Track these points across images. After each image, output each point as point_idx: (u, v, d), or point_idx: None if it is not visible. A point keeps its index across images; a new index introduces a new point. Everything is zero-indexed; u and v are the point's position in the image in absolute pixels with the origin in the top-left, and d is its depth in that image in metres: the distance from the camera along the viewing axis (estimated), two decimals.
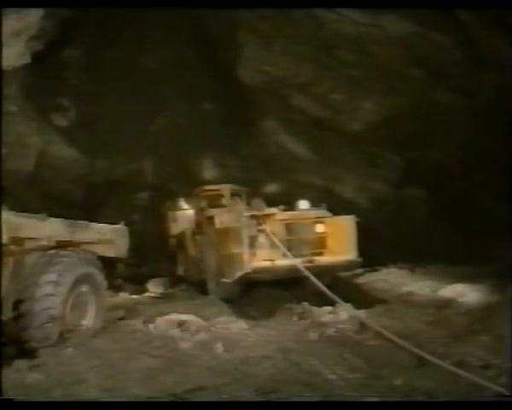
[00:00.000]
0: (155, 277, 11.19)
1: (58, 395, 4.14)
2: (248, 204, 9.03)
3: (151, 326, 6.40)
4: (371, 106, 11.48)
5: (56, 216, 5.95)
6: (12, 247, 5.26)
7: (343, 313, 6.73)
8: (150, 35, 14.20)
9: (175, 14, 12.00)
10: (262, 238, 8.22)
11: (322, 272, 8.00)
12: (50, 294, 5.46)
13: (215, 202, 10.47)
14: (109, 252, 6.84)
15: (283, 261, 8.09)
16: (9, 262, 5.36)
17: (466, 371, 4.83)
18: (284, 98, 12.58)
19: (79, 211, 10.04)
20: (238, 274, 7.98)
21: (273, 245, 8.15)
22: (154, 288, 10.59)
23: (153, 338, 5.86)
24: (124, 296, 9.53)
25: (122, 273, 9.27)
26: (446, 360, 5.17)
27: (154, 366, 4.92)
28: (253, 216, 8.30)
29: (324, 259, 8.41)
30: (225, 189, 10.58)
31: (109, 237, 6.87)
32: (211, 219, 9.13)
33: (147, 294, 10.21)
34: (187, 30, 14.17)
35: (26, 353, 5.20)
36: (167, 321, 6.57)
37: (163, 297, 9.75)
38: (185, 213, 11.67)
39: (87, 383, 4.42)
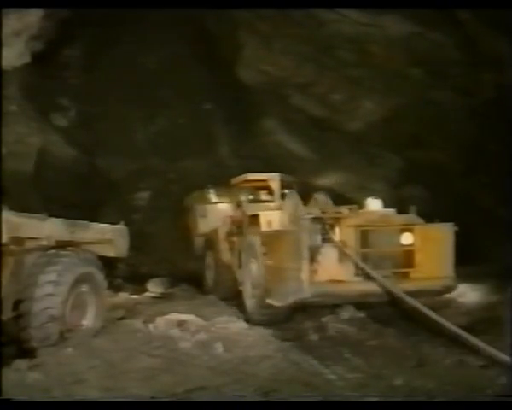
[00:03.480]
0: (155, 277, 11.19)
1: (58, 395, 4.14)
2: (304, 200, 6.95)
3: (151, 326, 6.41)
4: (371, 106, 11.47)
5: (56, 216, 5.95)
6: (12, 247, 5.26)
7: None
8: (150, 35, 14.20)
9: (175, 14, 12.00)
10: (328, 250, 6.13)
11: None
12: (50, 294, 5.46)
13: (258, 195, 8.91)
14: (109, 252, 6.84)
15: (358, 283, 6.10)
16: (9, 262, 5.36)
17: (466, 371, 4.84)
18: (284, 98, 12.58)
19: (79, 211, 10.04)
20: (293, 298, 5.95)
21: (343, 260, 6.13)
22: (154, 288, 10.58)
23: (153, 338, 5.86)
24: (124, 296, 9.52)
25: (122, 273, 9.28)
26: (446, 360, 5.18)
27: (154, 365, 4.92)
28: (316, 219, 6.19)
29: (412, 282, 6.24)
30: (273, 179, 8.49)
31: (109, 237, 6.87)
32: (255, 218, 7.31)
33: (147, 294, 10.21)
34: (187, 30, 14.16)
35: (26, 353, 5.20)
36: (167, 321, 6.57)
37: (163, 297, 9.75)
38: (217, 207, 9.92)
39: (87, 382, 4.42)
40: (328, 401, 4.13)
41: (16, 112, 11.05)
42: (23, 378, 4.46)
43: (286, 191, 7.70)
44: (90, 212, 11.22)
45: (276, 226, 6.80)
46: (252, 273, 7.36)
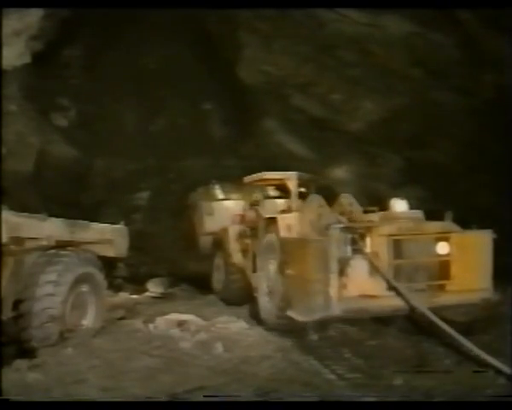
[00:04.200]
0: (155, 277, 11.19)
1: (58, 395, 4.15)
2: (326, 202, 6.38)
3: (151, 326, 6.42)
4: (371, 106, 11.46)
5: (56, 216, 5.95)
6: (12, 247, 5.26)
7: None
8: (150, 35, 14.21)
9: (175, 14, 12.00)
10: (358, 262, 5.61)
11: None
12: (50, 294, 5.47)
13: (273, 195, 8.47)
14: (109, 252, 6.85)
15: (391, 298, 5.58)
16: (9, 262, 5.36)
17: (466, 371, 4.84)
18: (284, 98, 12.57)
19: (79, 211, 10.04)
20: (319, 314, 5.48)
21: (373, 272, 5.62)
22: (154, 288, 10.58)
23: (153, 338, 5.87)
24: (124, 296, 9.52)
25: (122, 273, 9.28)
26: (446, 360, 5.19)
27: (153, 365, 4.93)
28: (345, 228, 5.70)
29: (448, 296, 5.79)
30: (291, 178, 7.76)
31: (109, 237, 6.87)
32: (272, 221, 6.83)
33: (147, 294, 10.21)
34: (187, 30, 14.17)
35: (26, 353, 5.20)
36: (167, 321, 6.58)
37: (163, 297, 9.75)
38: (225, 204, 9.46)
39: (87, 382, 4.42)
40: (328, 401, 4.13)
41: (16, 112, 11.04)
42: (23, 378, 4.46)
43: (302, 189, 7.49)
44: (90, 212, 11.23)
45: (295, 232, 6.39)
46: (269, 281, 6.82)
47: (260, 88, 12.64)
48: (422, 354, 5.42)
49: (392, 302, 5.60)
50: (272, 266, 6.75)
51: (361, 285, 5.57)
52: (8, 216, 5.17)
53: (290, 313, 5.93)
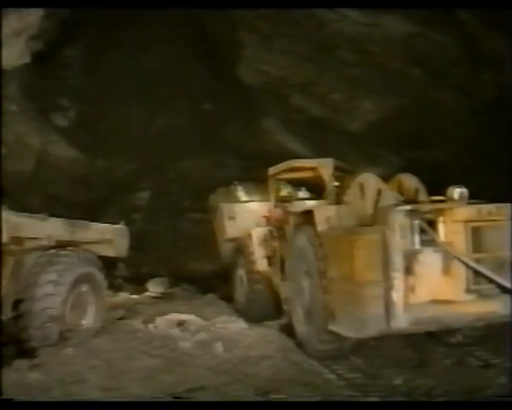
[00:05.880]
0: (155, 277, 11.19)
1: (58, 395, 4.15)
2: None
3: (151, 326, 6.42)
4: (371, 106, 11.46)
5: (56, 216, 5.96)
6: (12, 247, 5.27)
7: None
8: (150, 35, 14.20)
9: (175, 14, 11.99)
10: (428, 256, 4.46)
11: None
12: (50, 293, 5.47)
13: (302, 188, 7.70)
14: (109, 252, 6.85)
15: (471, 303, 4.45)
16: (9, 262, 5.37)
17: (466, 371, 4.84)
18: (284, 98, 12.57)
19: (79, 211, 10.04)
20: (378, 328, 4.30)
21: (450, 270, 4.47)
22: (154, 288, 10.58)
23: (153, 338, 5.87)
24: (124, 296, 9.53)
25: (122, 273, 9.28)
26: (446, 360, 5.19)
27: (154, 365, 4.93)
28: (411, 211, 4.44)
29: None
30: (325, 166, 6.62)
31: (109, 237, 6.88)
32: (306, 216, 5.64)
33: (147, 294, 10.21)
34: (187, 30, 14.16)
35: (26, 353, 5.21)
36: (167, 321, 6.58)
37: (163, 297, 9.75)
38: (248, 206, 8.56)
39: (87, 382, 4.43)
40: (328, 401, 4.13)
41: (16, 112, 11.04)
42: (23, 378, 4.47)
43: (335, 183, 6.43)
44: (90, 212, 11.23)
45: (339, 225, 5.15)
46: (304, 289, 5.65)
47: (260, 88, 12.64)
48: (422, 354, 5.43)
49: (473, 309, 4.44)
50: (307, 271, 5.55)
51: (433, 287, 4.45)
52: (8, 216, 5.17)
53: (335, 328, 4.83)
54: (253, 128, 13.50)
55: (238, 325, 6.61)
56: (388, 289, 4.22)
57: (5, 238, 5.04)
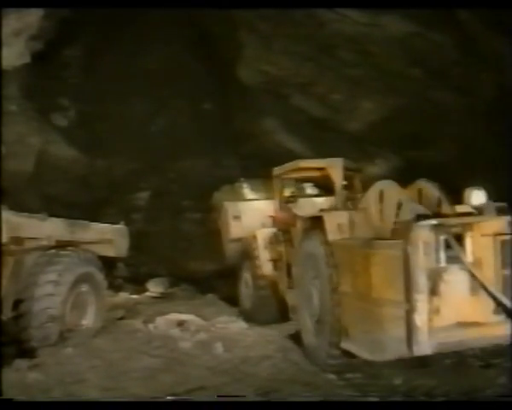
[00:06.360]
0: (155, 277, 11.18)
1: (58, 395, 4.15)
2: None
3: (151, 326, 6.43)
4: (371, 106, 11.46)
5: (56, 216, 5.95)
6: (12, 247, 5.27)
7: None
8: (150, 35, 14.20)
9: (175, 14, 11.99)
10: (454, 275, 4.11)
11: None
12: (50, 293, 5.47)
13: (309, 189, 7.41)
14: (109, 252, 6.85)
15: (500, 325, 4.09)
16: (9, 262, 5.37)
17: (466, 371, 4.84)
18: (284, 98, 12.57)
19: (79, 211, 10.04)
20: (398, 353, 4.03)
21: (476, 289, 4.11)
22: (154, 288, 10.58)
23: (153, 338, 5.87)
24: (124, 296, 9.53)
25: (122, 273, 9.28)
26: (446, 360, 5.18)
27: (153, 365, 4.93)
28: (437, 225, 4.05)
29: None
30: (335, 166, 6.40)
31: (109, 237, 6.88)
32: (314, 222, 5.27)
33: (147, 294, 10.21)
34: (187, 30, 14.17)
35: (26, 353, 5.21)
36: (167, 321, 6.59)
37: (163, 297, 9.75)
38: (254, 205, 8.24)
39: (87, 382, 4.43)
40: (328, 401, 4.13)
41: (16, 112, 11.04)
42: (23, 378, 4.47)
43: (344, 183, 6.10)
44: (90, 212, 11.22)
45: (350, 234, 4.78)
46: (312, 297, 5.29)
47: (260, 88, 12.64)
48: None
49: (502, 331, 4.05)
50: (317, 278, 5.20)
51: (459, 308, 4.10)
52: (8, 216, 5.18)
53: (349, 347, 4.55)
54: (253, 128, 13.50)
55: (238, 325, 6.62)
56: (410, 311, 3.88)
57: (5, 238, 5.04)
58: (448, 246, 4.10)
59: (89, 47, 14.32)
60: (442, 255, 4.08)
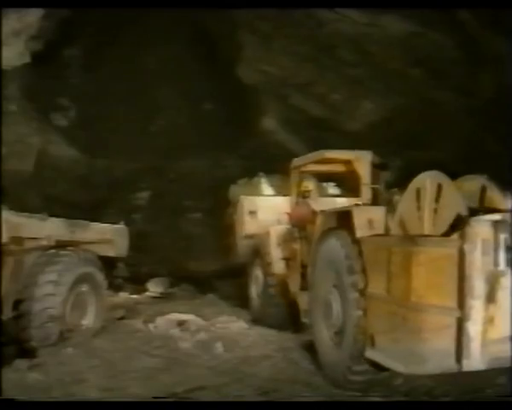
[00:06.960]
0: (155, 277, 11.18)
1: (58, 395, 4.15)
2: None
3: (151, 326, 6.43)
4: (371, 106, 11.46)
5: (56, 216, 5.95)
6: (12, 247, 5.26)
7: None
8: (150, 35, 14.21)
9: (175, 13, 12.00)
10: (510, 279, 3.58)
11: None
12: (50, 293, 5.47)
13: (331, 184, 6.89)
14: (109, 252, 6.85)
15: None
16: (9, 262, 5.36)
17: (466, 370, 4.83)
18: (284, 98, 12.58)
19: (79, 211, 10.04)
20: (443, 368, 3.57)
21: None
22: (154, 288, 10.58)
23: (153, 338, 5.87)
24: (124, 296, 9.53)
25: (122, 273, 9.27)
26: None
27: (154, 365, 4.93)
28: (496, 223, 3.58)
29: None
30: (362, 158, 5.99)
31: (109, 237, 6.87)
32: (341, 217, 4.78)
33: (147, 293, 10.21)
34: (187, 30, 14.17)
35: (26, 353, 5.20)
36: (167, 321, 6.59)
37: (163, 297, 9.75)
38: (272, 200, 7.80)
39: (87, 382, 4.43)
40: (328, 401, 4.13)
41: (16, 112, 11.05)
42: (23, 378, 4.47)
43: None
44: (91, 212, 11.22)
45: (382, 229, 4.23)
46: (331, 306, 4.70)
47: (260, 88, 12.64)
48: None
49: None
50: (338, 284, 4.62)
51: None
52: (8, 216, 5.17)
53: (375, 357, 4.00)
54: (253, 128, 13.50)
55: (238, 325, 6.61)
56: (463, 319, 3.43)
57: (5, 238, 5.04)
58: (509, 247, 3.58)
59: (89, 47, 14.33)
60: (502, 257, 3.55)
